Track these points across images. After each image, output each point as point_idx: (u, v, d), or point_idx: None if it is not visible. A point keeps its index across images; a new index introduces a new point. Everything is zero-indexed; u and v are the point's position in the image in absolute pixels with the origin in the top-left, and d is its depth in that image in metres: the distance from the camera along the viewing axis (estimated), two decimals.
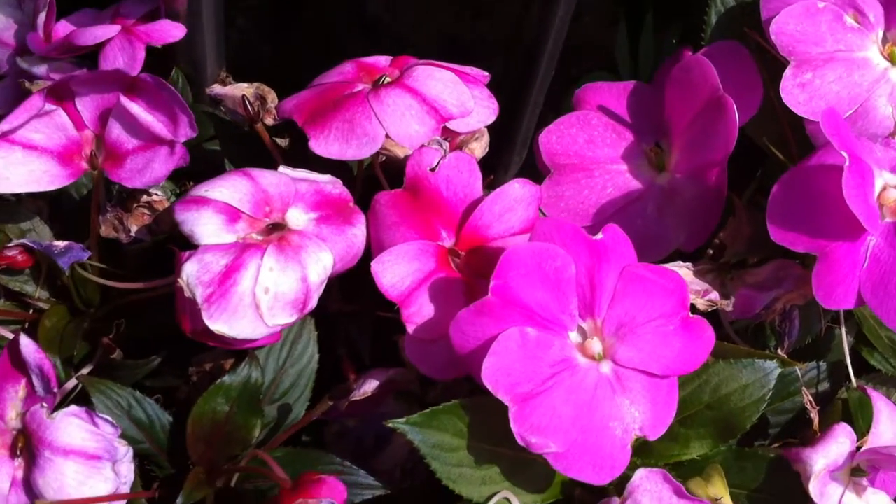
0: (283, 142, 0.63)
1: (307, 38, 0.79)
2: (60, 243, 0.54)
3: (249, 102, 0.59)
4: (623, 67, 0.91)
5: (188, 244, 0.50)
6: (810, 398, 0.52)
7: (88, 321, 0.56)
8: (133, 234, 0.54)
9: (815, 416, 0.52)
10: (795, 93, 0.53)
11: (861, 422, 0.55)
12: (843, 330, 0.54)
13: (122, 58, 0.63)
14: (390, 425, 0.47)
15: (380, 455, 0.54)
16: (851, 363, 0.56)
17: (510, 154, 0.77)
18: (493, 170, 0.74)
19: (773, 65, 0.58)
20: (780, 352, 0.53)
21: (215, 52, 0.68)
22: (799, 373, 0.53)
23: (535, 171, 0.72)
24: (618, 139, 0.59)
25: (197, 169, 0.65)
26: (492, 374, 0.46)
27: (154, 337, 0.55)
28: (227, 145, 0.61)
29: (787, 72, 0.54)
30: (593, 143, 0.59)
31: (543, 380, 0.46)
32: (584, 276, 0.49)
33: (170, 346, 0.55)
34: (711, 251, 0.55)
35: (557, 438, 0.46)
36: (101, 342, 0.53)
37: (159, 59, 0.66)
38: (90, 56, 0.65)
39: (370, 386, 0.52)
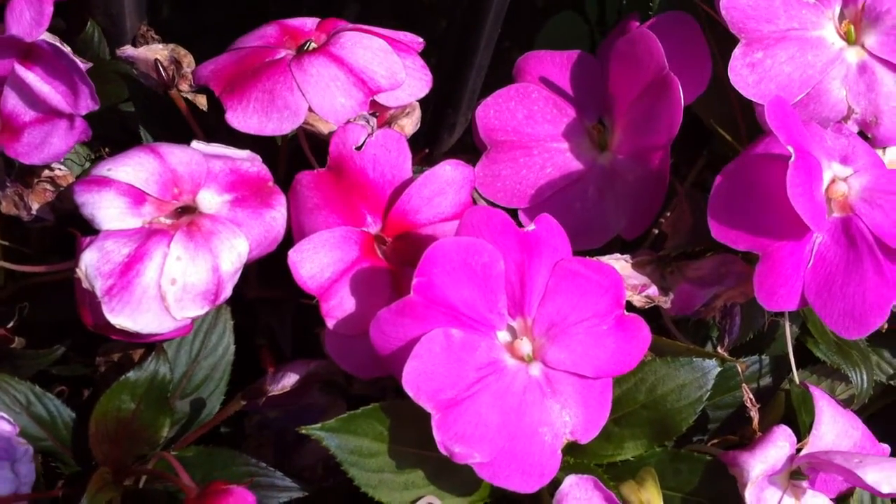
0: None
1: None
2: None
3: (163, 67, 0.54)
4: (589, 6, 0.88)
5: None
6: (751, 396, 0.50)
7: None
8: (35, 212, 0.50)
9: (755, 414, 0.50)
10: (745, 73, 0.50)
11: (804, 415, 0.52)
12: (787, 325, 0.51)
13: (29, 12, 0.58)
14: (304, 432, 0.44)
15: (302, 449, 0.51)
16: (794, 352, 0.54)
17: (454, 115, 0.73)
18: (437, 133, 0.71)
19: (724, 39, 0.54)
20: (720, 349, 0.51)
21: (135, 6, 0.64)
22: (739, 369, 0.51)
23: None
24: (559, 115, 0.56)
25: (113, 135, 0.61)
26: (413, 380, 0.43)
27: (61, 321, 0.52)
28: (142, 111, 0.57)
29: (737, 51, 0.50)
30: (533, 118, 0.56)
31: (469, 384, 0.44)
32: (513, 272, 0.46)
33: (77, 332, 0.51)
34: (650, 242, 0.52)
35: (483, 447, 0.43)
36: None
37: (73, 11, 0.61)
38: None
39: (289, 380, 0.49)
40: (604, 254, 0.53)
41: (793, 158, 0.44)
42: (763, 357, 0.54)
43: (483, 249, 0.45)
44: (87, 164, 0.62)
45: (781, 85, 0.50)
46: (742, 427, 0.52)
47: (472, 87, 0.73)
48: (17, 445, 0.45)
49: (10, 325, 0.50)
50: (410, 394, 0.43)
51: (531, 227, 0.46)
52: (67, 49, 0.49)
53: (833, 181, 0.48)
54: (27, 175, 0.51)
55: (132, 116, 0.61)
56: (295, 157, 0.56)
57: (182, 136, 0.56)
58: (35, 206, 0.51)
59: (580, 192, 0.54)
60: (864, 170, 0.48)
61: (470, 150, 0.68)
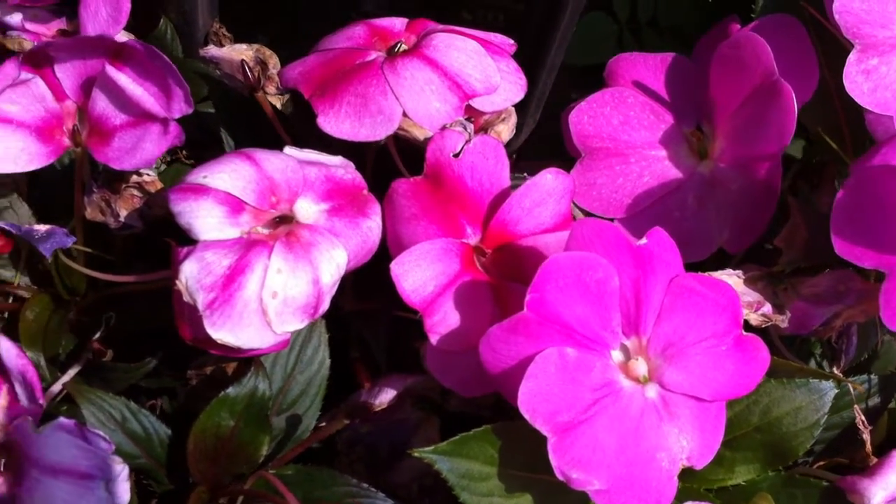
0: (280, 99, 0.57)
1: None
2: (41, 227, 0.48)
3: (249, 68, 0.53)
4: (619, 6, 0.87)
5: (185, 234, 0.45)
6: (863, 418, 0.49)
7: (74, 311, 0.50)
8: (122, 219, 0.49)
9: (867, 436, 0.48)
10: (859, 81, 0.48)
11: None
12: None
13: (105, 8, 0.56)
14: (416, 455, 0.42)
15: (396, 467, 0.50)
16: None
17: (523, 117, 0.71)
18: None
19: (829, 43, 0.52)
20: (835, 370, 0.49)
21: (208, 3, 0.62)
22: (852, 389, 0.49)
23: (547, 135, 0.67)
24: (656, 121, 0.54)
25: (190, 136, 0.59)
26: (529, 402, 0.41)
27: (148, 331, 0.50)
28: (225, 113, 0.56)
29: (852, 57, 0.48)
30: (629, 124, 0.54)
31: (585, 407, 0.42)
32: (627, 289, 0.44)
33: (167, 342, 0.50)
34: (741, 255, 0.50)
35: (601, 473, 0.42)
36: (89, 341, 0.48)
37: (145, 7, 0.59)
38: (70, 2, 0.59)
39: (387, 396, 0.47)
40: (705, 268, 0.51)
41: None
42: (871, 376, 0.52)
43: (598, 265, 0.43)
44: (164, 167, 0.60)
45: None
46: (851, 449, 0.50)
47: (542, 89, 0.71)
48: (112, 464, 0.44)
49: (97, 335, 0.49)
50: (526, 416, 0.41)
51: (643, 241, 0.45)
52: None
53: None
54: (115, 180, 0.49)
55: (210, 117, 0.59)
56: (379, 159, 0.54)
57: (267, 140, 0.55)
58: (123, 213, 0.49)
59: (679, 201, 0.53)
60: None
61: (537, 151, 0.66)
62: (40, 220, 0.52)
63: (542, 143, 0.66)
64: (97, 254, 0.51)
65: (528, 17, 0.69)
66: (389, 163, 0.53)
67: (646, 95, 0.54)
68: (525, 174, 0.55)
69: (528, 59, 0.67)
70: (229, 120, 0.56)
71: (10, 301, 0.51)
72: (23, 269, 0.51)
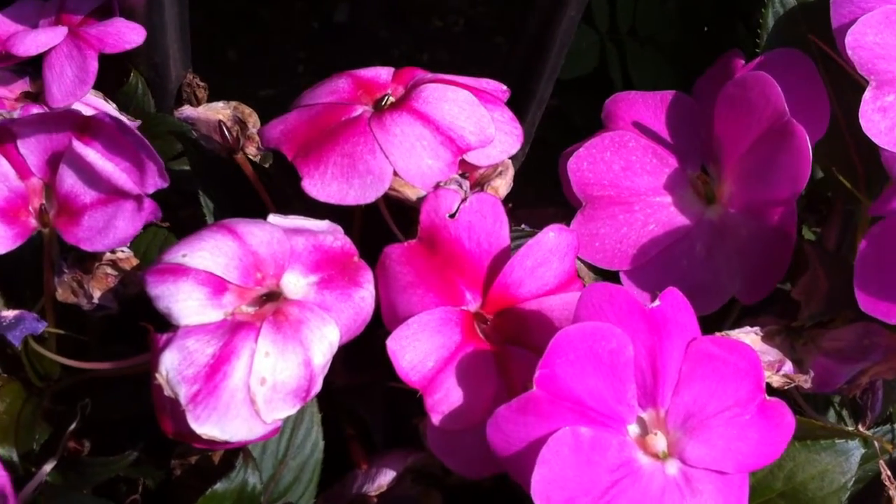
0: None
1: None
2: (9, 313, 0.45)
3: (227, 129, 0.50)
4: (599, 19, 0.86)
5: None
6: (888, 472, 0.46)
7: (48, 398, 0.47)
8: (96, 300, 0.45)
9: (893, 492, 0.46)
10: (876, 119, 0.45)
11: None
12: None
13: (71, 69, 0.53)
14: None
15: None
16: None
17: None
18: None
19: (838, 78, 0.50)
20: (861, 427, 0.46)
21: (180, 53, 0.59)
22: (878, 446, 0.47)
23: (537, 168, 0.64)
24: (659, 164, 0.51)
25: (165, 196, 0.56)
26: (543, 490, 0.38)
27: (127, 418, 0.47)
28: (202, 174, 0.52)
29: (867, 94, 0.46)
30: (631, 169, 0.51)
31: (603, 490, 0.39)
32: (643, 357, 0.41)
33: (147, 429, 0.46)
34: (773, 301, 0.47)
35: None
36: (64, 437, 0.44)
37: (114, 60, 0.56)
38: (34, 61, 0.55)
39: (386, 478, 0.44)
40: (716, 319, 0.49)
41: None
42: (894, 426, 0.49)
43: (610, 335, 0.40)
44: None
45: None
46: None
47: (532, 120, 0.68)
48: None
49: (72, 427, 0.45)
50: None
51: (656, 303, 0.42)
52: (130, 120, 0.44)
53: None
54: (86, 259, 0.46)
55: (185, 175, 0.56)
56: (368, 222, 0.51)
57: (247, 201, 0.52)
58: (97, 294, 0.46)
59: (686, 250, 0.50)
60: None
61: (535, 172, 0.63)
62: (6, 301, 0.49)
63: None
64: (70, 335, 0.48)
65: (514, 49, 0.66)
66: (378, 222, 0.50)
67: (647, 138, 0.51)
68: (523, 226, 0.52)
69: (515, 94, 0.64)
70: (207, 181, 0.52)
71: None
72: None
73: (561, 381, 0.40)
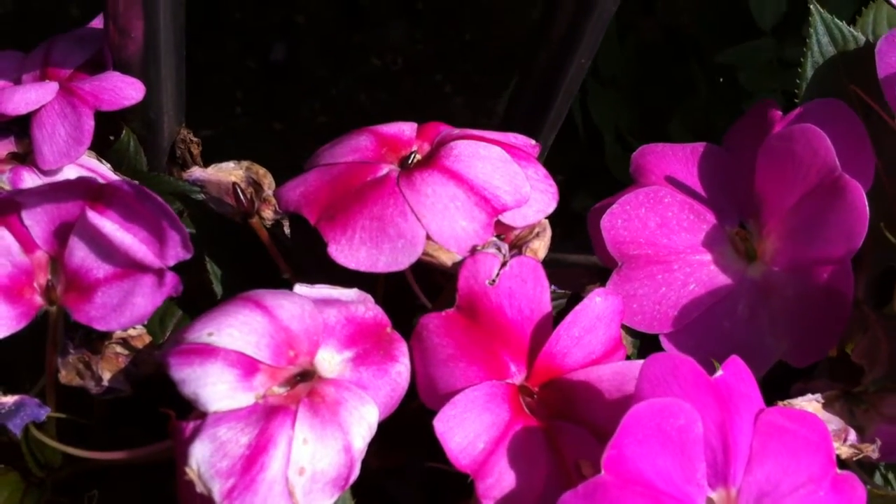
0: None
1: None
2: (9, 399, 0.41)
3: (241, 191, 0.46)
4: None
5: (179, 397, 0.38)
6: None
7: (49, 491, 0.43)
8: (106, 382, 0.42)
9: None
10: None
11: None
12: None
13: (64, 128, 0.50)
14: None
15: None
16: None
17: None
18: None
19: (879, 128, 0.48)
20: None
21: (174, 109, 0.55)
22: None
23: None
24: (696, 221, 0.49)
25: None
26: None
27: None
28: (207, 238, 0.49)
29: None
30: (667, 227, 0.48)
31: None
32: (712, 434, 0.38)
33: None
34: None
35: None
36: None
37: (104, 118, 0.52)
38: (20, 120, 0.51)
39: None
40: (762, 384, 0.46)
41: None
42: None
43: (679, 411, 0.38)
44: None
45: None
46: None
47: (546, 133, 0.66)
48: None
49: None
50: None
51: (719, 373, 0.39)
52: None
53: None
54: (95, 339, 0.42)
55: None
56: (391, 287, 0.48)
57: (259, 268, 0.49)
58: (106, 376, 0.42)
59: (728, 310, 0.47)
60: None
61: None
62: (2, 383, 0.44)
63: None
64: (73, 419, 0.44)
65: (518, 98, 0.64)
66: (402, 289, 0.47)
67: (683, 193, 0.49)
68: (554, 287, 0.50)
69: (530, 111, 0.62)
70: (213, 246, 0.49)
71: None
72: None
73: (630, 463, 0.37)
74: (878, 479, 0.49)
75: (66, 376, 0.42)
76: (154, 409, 0.40)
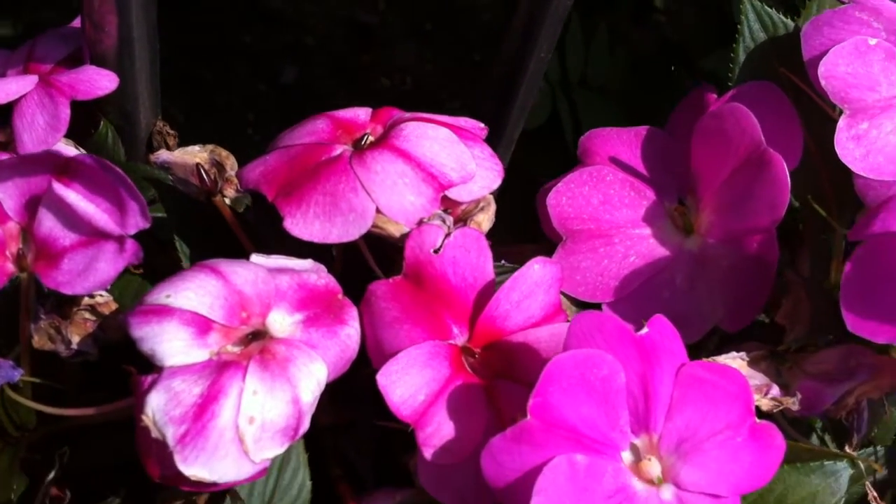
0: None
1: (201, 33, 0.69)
2: None
3: (205, 171, 0.49)
4: (551, 70, 0.87)
5: (143, 359, 0.41)
6: (875, 493, 0.46)
7: (24, 448, 0.46)
8: (75, 346, 0.45)
9: None
10: (850, 147, 0.46)
11: None
12: None
13: (42, 116, 0.53)
14: None
15: None
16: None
17: None
18: None
19: (808, 108, 0.51)
20: (848, 448, 0.46)
21: (150, 101, 0.58)
22: (863, 466, 0.47)
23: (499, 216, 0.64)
24: (637, 198, 0.51)
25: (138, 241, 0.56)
26: None
27: (107, 466, 0.46)
28: (178, 220, 0.52)
29: (841, 122, 0.46)
30: (610, 203, 0.51)
31: None
32: (634, 384, 0.41)
33: (128, 477, 0.45)
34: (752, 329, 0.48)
35: None
36: (45, 487, 0.43)
37: (82, 109, 0.56)
38: (2, 109, 0.55)
39: None
40: (696, 349, 0.49)
41: None
42: (878, 448, 0.50)
43: (602, 361, 0.40)
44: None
45: (890, 156, 0.46)
46: None
47: (501, 155, 0.69)
48: None
49: (51, 476, 0.44)
50: None
51: (644, 330, 0.42)
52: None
53: None
54: (64, 305, 0.45)
55: (159, 222, 0.55)
56: (348, 261, 0.51)
57: (225, 246, 0.51)
58: (75, 340, 0.45)
59: (667, 281, 0.50)
60: None
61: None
62: None
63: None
64: (46, 383, 0.47)
65: (484, 91, 0.67)
66: (358, 264, 0.50)
67: (624, 172, 0.52)
68: (503, 262, 0.52)
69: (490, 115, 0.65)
70: (183, 227, 0.52)
71: None
72: None
73: (554, 409, 0.40)
74: (814, 440, 0.52)
75: (38, 341, 0.45)
76: (121, 375, 0.43)
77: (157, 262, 0.56)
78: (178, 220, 0.52)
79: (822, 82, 0.47)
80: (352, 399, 0.47)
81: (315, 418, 0.46)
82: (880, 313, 0.42)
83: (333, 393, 0.47)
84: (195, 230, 0.52)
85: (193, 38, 0.83)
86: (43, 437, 0.47)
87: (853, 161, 0.46)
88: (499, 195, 0.68)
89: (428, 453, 0.42)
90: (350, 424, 0.47)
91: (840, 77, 0.47)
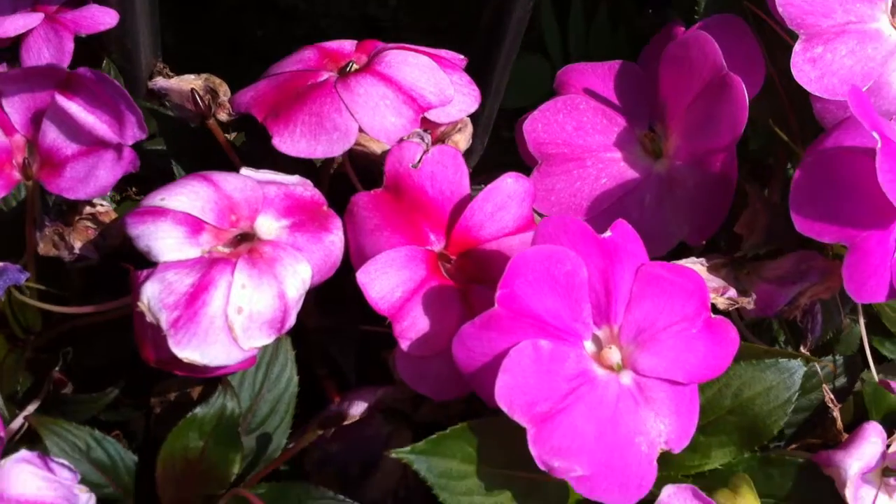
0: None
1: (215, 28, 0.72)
2: None
3: (199, 96, 0.52)
4: (552, 48, 0.89)
5: (143, 261, 0.44)
6: (831, 396, 0.49)
7: (30, 350, 0.49)
8: (77, 251, 0.48)
9: (837, 414, 0.49)
10: (806, 69, 0.49)
11: (875, 414, 0.51)
12: (862, 321, 0.50)
13: (48, 50, 0.56)
14: (394, 455, 0.42)
15: (367, 483, 0.49)
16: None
17: (472, 141, 0.72)
18: None
19: (771, 39, 0.54)
20: (802, 349, 0.49)
21: (150, 40, 0.62)
22: (819, 369, 0.50)
23: (495, 159, 0.67)
24: (609, 124, 0.54)
25: (139, 173, 0.59)
26: (506, 394, 0.41)
27: (107, 364, 0.49)
28: (175, 146, 0.55)
29: (797, 46, 0.49)
30: (583, 129, 0.54)
31: (561, 396, 0.42)
32: (596, 280, 0.44)
33: (126, 374, 0.48)
34: (723, 243, 0.51)
35: (582, 460, 0.41)
36: (49, 375, 0.46)
37: (87, 48, 0.59)
38: (10, 48, 0.58)
39: (358, 409, 0.46)
40: (666, 259, 0.52)
41: (879, 145, 0.43)
42: (836, 357, 0.53)
43: (566, 257, 0.43)
44: (114, 206, 0.59)
45: (844, 78, 0.49)
46: (821, 429, 0.50)
47: (489, 114, 0.72)
48: (78, 493, 0.42)
49: (55, 370, 0.47)
50: (504, 408, 0.41)
51: (608, 233, 0.45)
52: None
53: None
54: (67, 213, 0.48)
55: (158, 154, 0.58)
56: (336, 186, 0.54)
57: (220, 169, 0.54)
58: (77, 246, 0.48)
59: (637, 201, 0.53)
60: None
61: (494, 164, 0.66)
62: None
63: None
64: (52, 290, 0.50)
65: (470, 38, 0.69)
66: (346, 186, 0.53)
67: (597, 101, 0.55)
68: (482, 186, 0.55)
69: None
70: (180, 152, 0.55)
71: None
72: None
73: (520, 300, 0.43)
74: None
75: (43, 248, 0.48)
76: (119, 284, 0.46)
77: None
78: (175, 148, 0.55)
79: (780, 9, 0.50)
80: (338, 305, 0.50)
81: (303, 321, 0.49)
82: (825, 216, 0.45)
83: (320, 297, 0.51)
84: (192, 156, 0.55)
85: (206, 32, 0.85)
86: (49, 340, 0.50)
87: (809, 82, 0.49)
88: (498, 172, 0.71)
89: (405, 345, 0.45)
90: (336, 328, 0.50)
91: (796, 4, 0.49)
